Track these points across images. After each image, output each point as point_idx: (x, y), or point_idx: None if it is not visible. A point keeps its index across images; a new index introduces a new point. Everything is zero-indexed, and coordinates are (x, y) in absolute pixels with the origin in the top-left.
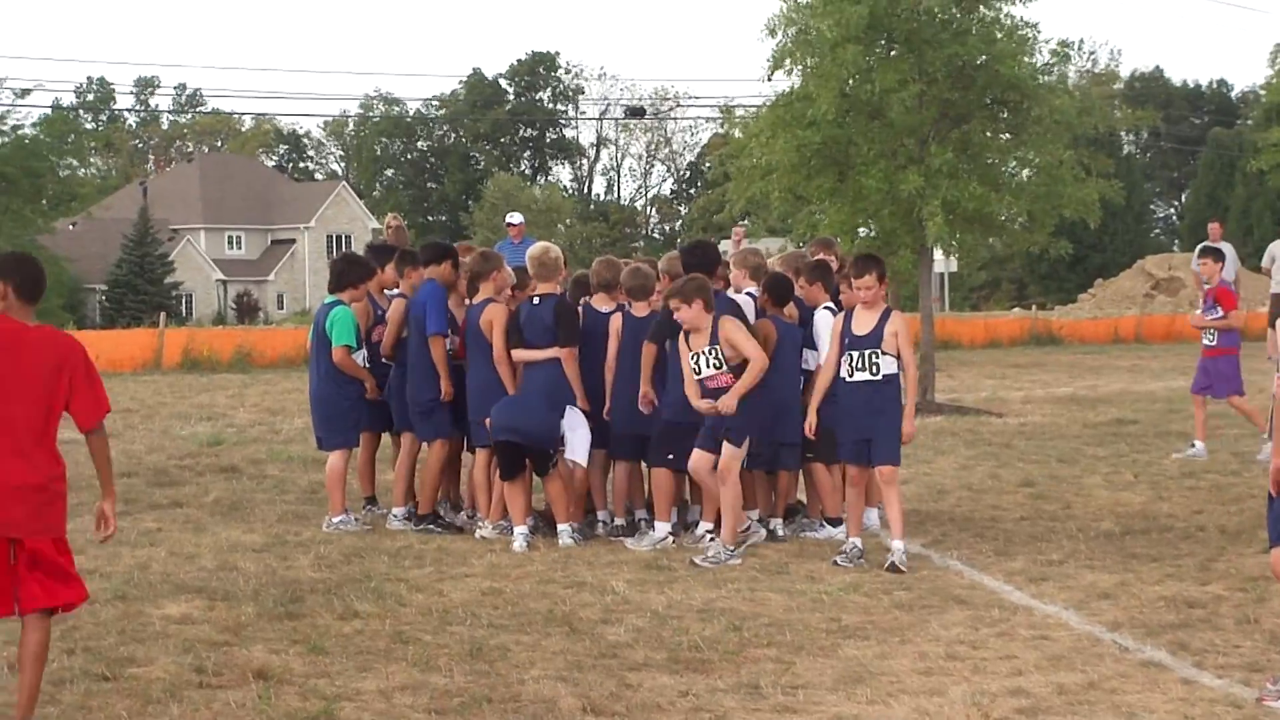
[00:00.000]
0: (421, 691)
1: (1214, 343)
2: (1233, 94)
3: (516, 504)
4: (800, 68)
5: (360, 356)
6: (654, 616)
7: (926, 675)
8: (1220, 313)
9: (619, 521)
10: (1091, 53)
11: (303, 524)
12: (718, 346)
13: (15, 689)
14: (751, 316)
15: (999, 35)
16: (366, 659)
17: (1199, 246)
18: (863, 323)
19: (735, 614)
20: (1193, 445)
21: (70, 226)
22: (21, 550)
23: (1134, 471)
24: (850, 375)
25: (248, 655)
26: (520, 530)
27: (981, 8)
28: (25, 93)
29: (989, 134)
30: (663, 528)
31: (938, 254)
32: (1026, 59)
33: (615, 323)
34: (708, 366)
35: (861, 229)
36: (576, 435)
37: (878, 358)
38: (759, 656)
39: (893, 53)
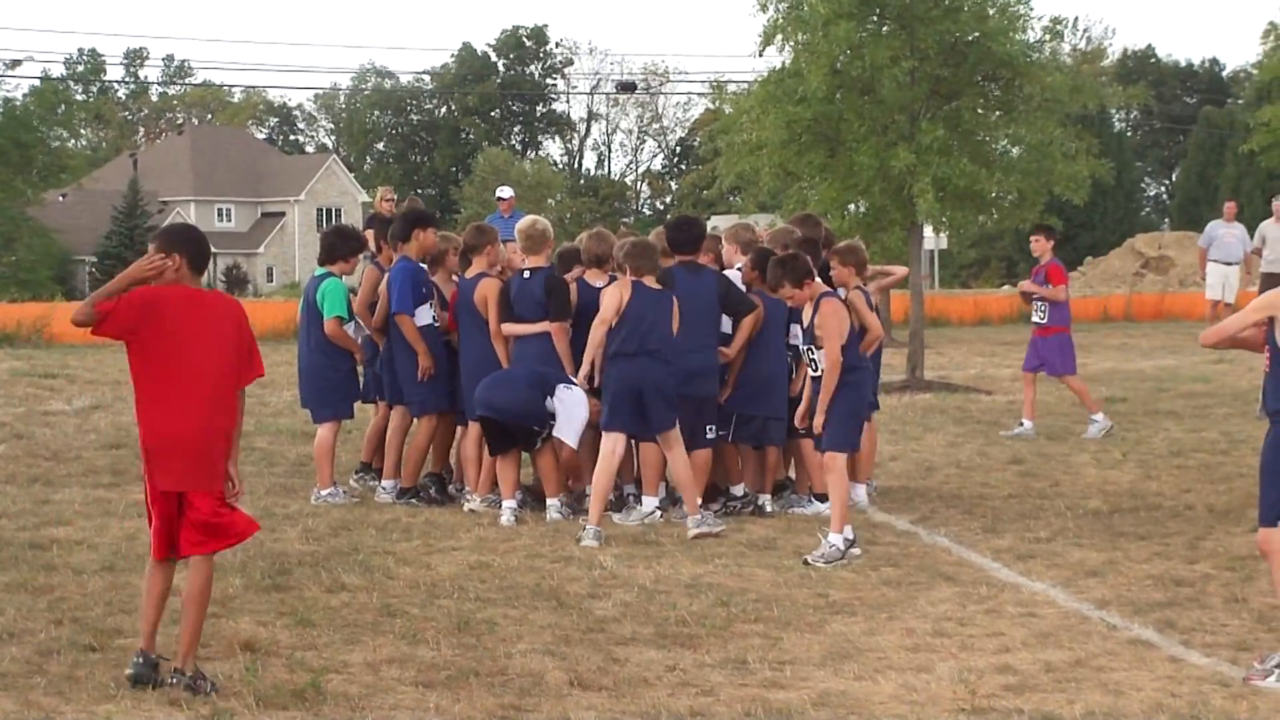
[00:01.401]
0: (409, 664)
1: (1044, 320)
2: (1224, 73)
3: (506, 478)
4: (791, 44)
5: (351, 328)
6: (641, 591)
7: (914, 652)
8: (1050, 285)
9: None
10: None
11: (290, 496)
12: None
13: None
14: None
15: (991, 12)
16: (354, 631)
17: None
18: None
19: (723, 589)
20: (1021, 424)
21: (60, 198)
22: (186, 502)
23: (1122, 450)
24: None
25: (235, 627)
26: (509, 504)
27: None
28: (15, 64)
29: (980, 111)
30: (650, 502)
31: (928, 231)
32: (1018, 36)
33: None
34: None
35: (851, 205)
36: (573, 415)
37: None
38: (746, 632)
39: (884, 29)
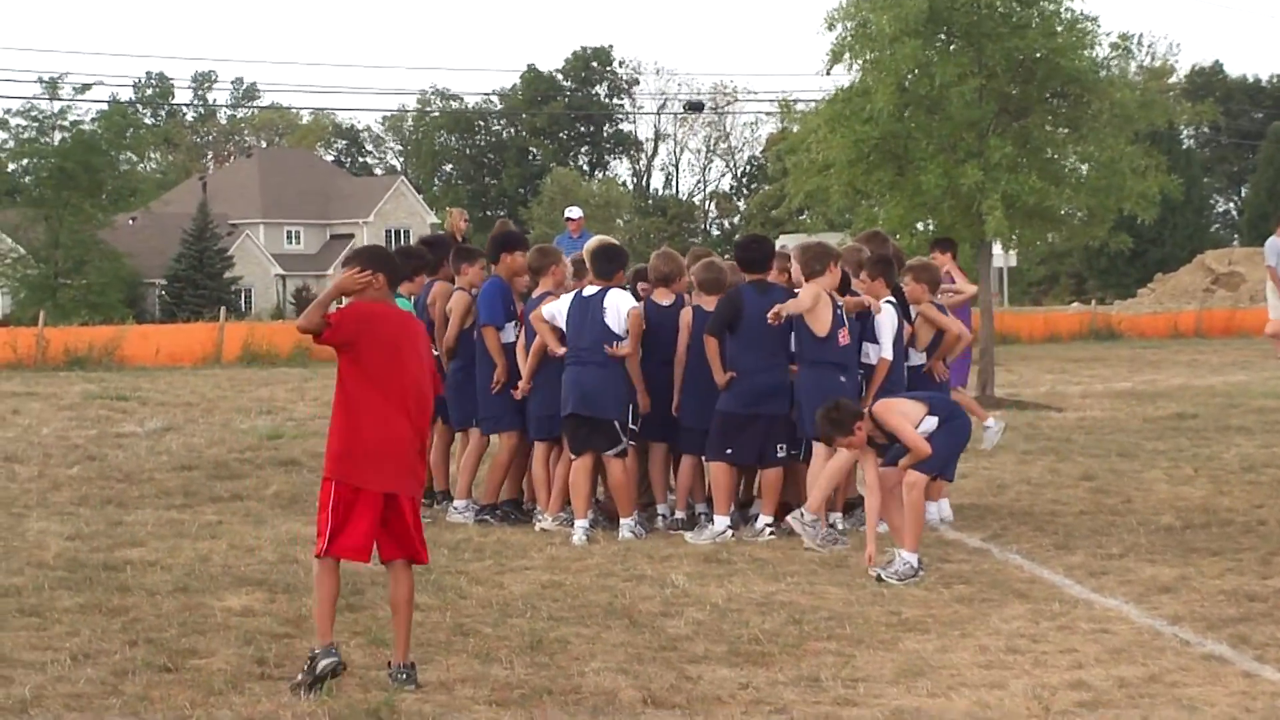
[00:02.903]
0: (482, 683)
1: None
2: None
3: (580, 496)
4: (859, 62)
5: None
6: (714, 609)
7: (987, 669)
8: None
9: (679, 515)
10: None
11: None
12: None
13: None
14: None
15: (1059, 28)
16: (427, 651)
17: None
18: None
19: (795, 607)
20: (987, 426)
21: (130, 221)
22: (393, 507)
23: (1194, 466)
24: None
25: (308, 647)
26: (581, 523)
27: (1041, 1)
28: (85, 88)
29: (1048, 128)
30: (721, 521)
31: (996, 248)
32: (1087, 52)
33: (685, 316)
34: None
35: (919, 224)
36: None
37: None
38: (819, 649)
39: (952, 47)
